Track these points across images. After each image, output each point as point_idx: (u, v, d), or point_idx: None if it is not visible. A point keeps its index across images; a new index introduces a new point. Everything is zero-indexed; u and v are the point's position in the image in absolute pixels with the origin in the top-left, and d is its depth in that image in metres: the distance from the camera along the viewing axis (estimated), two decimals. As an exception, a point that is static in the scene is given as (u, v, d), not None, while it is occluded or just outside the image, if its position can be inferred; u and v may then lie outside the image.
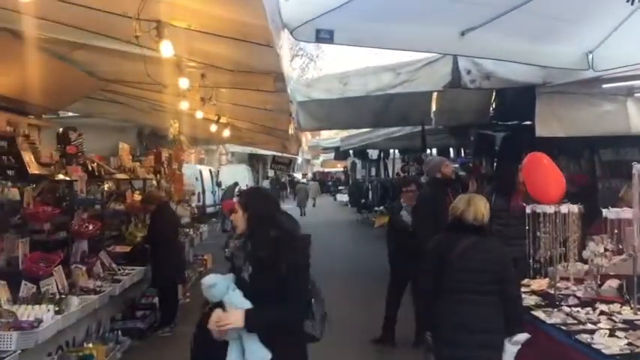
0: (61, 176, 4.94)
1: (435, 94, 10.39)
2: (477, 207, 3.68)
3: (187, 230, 8.87)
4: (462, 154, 19.10)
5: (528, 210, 4.02)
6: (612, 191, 8.93)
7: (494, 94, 10.30)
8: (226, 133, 10.18)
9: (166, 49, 3.92)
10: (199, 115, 7.80)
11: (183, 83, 5.20)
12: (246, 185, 30.77)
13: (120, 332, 5.52)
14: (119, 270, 5.64)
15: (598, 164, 9.17)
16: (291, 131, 7.58)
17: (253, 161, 40.55)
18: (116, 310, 5.78)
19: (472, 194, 3.83)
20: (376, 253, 12.85)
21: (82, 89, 7.88)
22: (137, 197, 6.79)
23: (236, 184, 23.55)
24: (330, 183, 45.92)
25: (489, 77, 6.06)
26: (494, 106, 10.31)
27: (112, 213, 6.49)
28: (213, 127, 9.16)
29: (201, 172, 21.51)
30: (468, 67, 6.00)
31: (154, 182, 7.44)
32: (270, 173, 42.89)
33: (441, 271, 3.69)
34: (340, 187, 33.98)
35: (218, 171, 29.53)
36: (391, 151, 20.77)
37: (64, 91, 7.53)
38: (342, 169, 39.60)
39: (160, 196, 6.68)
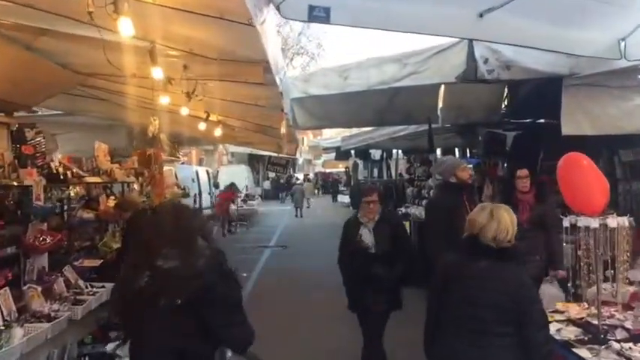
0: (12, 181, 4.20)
1: (442, 90, 9.72)
2: (502, 222, 2.92)
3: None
4: (468, 155, 18.37)
5: (566, 223, 3.28)
6: (633, 195, 8.26)
7: (506, 89, 9.63)
8: (218, 132, 9.48)
9: (125, 27, 3.21)
10: (184, 111, 7.08)
11: (157, 73, 4.49)
12: (246, 187, 30.33)
13: (88, 359, 4.80)
14: (87, 288, 4.90)
15: (618, 165, 8.46)
16: (283, 129, 6.85)
17: (254, 162, 39.93)
18: (85, 332, 5.05)
19: (496, 205, 3.09)
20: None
21: (58, 84, 7.23)
22: (112, 203, 6.07)
23: (232, 184, 22.91)
24: (329, 184, 45.26)
25: (509, 67, 5.30)
26: (506, 102, 9.63)
27: (79, 222, 5.75)
28: (202, 125, 8.45)
29: (197, 173, 20.78)
30: (485, 55, 5.25)
31: (135, 186, 6.72)
32: (271, 174, 42.36)
33: (442, 301, 3.01)
34: (341, 188, 33.21)
35: (217, 172, 28.91)
36: (394, 151, 20.02)
37: (37, 85, 6.90)
38: (343, 169, 38.87)
39: (137, 201, 5.95)
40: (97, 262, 5.38)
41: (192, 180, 20.00)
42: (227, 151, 36.27)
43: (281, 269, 11.32)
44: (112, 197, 6.22)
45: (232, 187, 16.13)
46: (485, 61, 5.25)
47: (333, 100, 8.84)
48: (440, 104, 10.05)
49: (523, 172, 5.60)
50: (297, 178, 37.86)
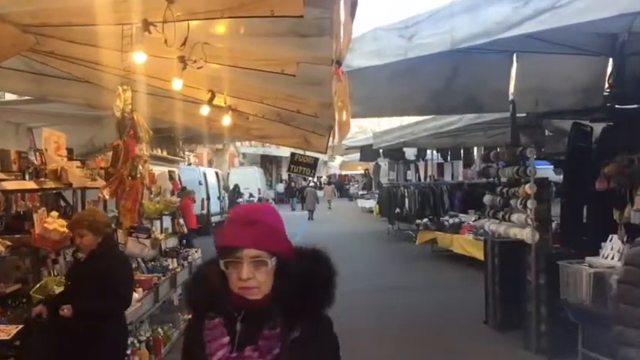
0: None
1: (514, 68, 7.45)
2: None
3: (157, 263, 5.84)
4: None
5: None
6: None
7: (610, 62, 7.28)
8: (227, 120, 7.16)
9: None
10: (177, 85, 4.79)
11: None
12: (258, 190, 28.07)
13: None
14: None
15: None
16: (335, 91, 4.37)
17: (266, 163, 37.81)
18: None
19: None
20: (427, 283, 9.83)
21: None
22: (53, 223, 3.75)
23: (236, 187, 20.63)
24: (347, 186, 42.93)
25: None
26: (610, 81, 7.26)
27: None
28: (205, 110, 6.14)
29: (205, 175, 18.56)
30: None
31: (102, 194, 4.40)
32: (285, 176, 40.08)
33: None
34: (362, 192, 30.78)
35: (228, 174, 26.72)
36: (428, 151, 17.64)
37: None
38: (362, 171, 36.49)
39: (101, 221, 3.67)
40: (10, 330, 3.07)
41: (200, 183, 17.80)
42: (238, 152, 34.15)
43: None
44: (53, 214, 3.89)
45: (186, 192, 13.09)
46: None
47: (378, 78, 6.54)
48: (512, 88, 7.77)
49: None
50: (310, 181, 36.00)
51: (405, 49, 5.35)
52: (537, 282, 5.51)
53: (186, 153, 22.89)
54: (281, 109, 6.46)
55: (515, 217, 5.74)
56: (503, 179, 6.24)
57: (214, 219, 18.66)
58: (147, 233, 4.55)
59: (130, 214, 4.42)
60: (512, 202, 5.81)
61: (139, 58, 3.89)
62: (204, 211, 17.84)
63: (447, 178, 20.83)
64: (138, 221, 4.63)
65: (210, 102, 6.08)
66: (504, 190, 5.99)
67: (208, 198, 18.24)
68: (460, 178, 21.37)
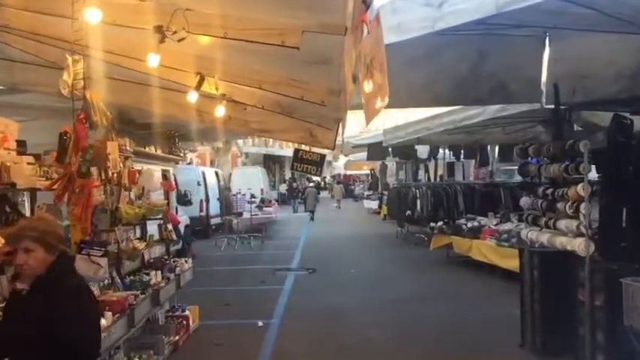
0: None
1: (546, 52, 6.52)
2: None
3: (136, 278, 4.90)
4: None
5: None
6: None
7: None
8: (220, 111, 6.25)
9: None
10: (153, 61, 3.87)
11: None
12: (261, 190, 27.12)
13: None
14: None
15: None
16: (350, 84, 3.41)
17: (269, 163, 36.86)
18: None
19: None
20: (445, 294, 8.78)
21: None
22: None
23: (227, 189, 19.74)
24: (352, 187, 42.02)
25: None
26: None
27: None
28: (193, 96, 5.22)
29: (204, 175, 17.62)
30: None
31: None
32: (287, 175, 39.14)
33: None
34: (367, 193, 29.80)
35: (230, 174, 25.79)
36: (441, 150, 16.66)
37: None
38: (368, 171, 35.56)
39: (60, 234, 2.71)
40: None
41: (198, 183, 16.87)
42: (241, 151, 33.24)
43: (312, 312, 8.00)
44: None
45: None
46: None
47: (392, 64, 5.59)
48: (544, 76, 6.82)
49: None
50: (312, 181, 35.54)
51: (432, 19, 4.43)
52: (592, 303, 4.57)
53: (187, 152, 22.04)
54: (282, 95, 5.51)
55: (563, 223, 4.78)
56: (545, 179, 5.29)
57: (214, 221, 17.74)
58: (102, 249, 3.54)
59: (80, 223, 3.44)
60: (559, 205, 4.85)
61: (92, 16, 2.95)
62: (203, 213, 16.91)
63: (459, 178, 19.85)
64: (90, 233, 3.65)
65: (198, 87, 5.15)
66: (548, 191, 5.03)
67: (207, 199, 17.30)
68: (471, 178, 20.40)
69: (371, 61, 2.58)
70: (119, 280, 4.92)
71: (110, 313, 4.08)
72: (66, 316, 2.57)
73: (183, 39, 3.92)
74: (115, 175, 5.28)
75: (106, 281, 4.65)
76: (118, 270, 5.03)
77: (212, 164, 26.36)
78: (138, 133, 10.56)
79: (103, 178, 4.95)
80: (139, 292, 4.83)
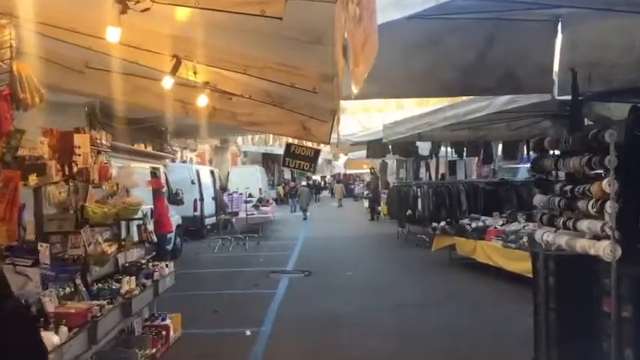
0: None
1: (559, 38, 6.05)
2: None
3: (104, 285, 4.31)
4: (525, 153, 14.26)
5: None
6: None
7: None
8: (203, 101, 5.71)
9: None
10: (113, 35, 3.32)
11: None
12: (260, 190, 26.57)
13: None
14: None
15: None
16: (340, 70, 2.83)
17: (268, 162, 36.25)
18: None
19: None
20: (449, 299, 8.25)
21: None
22: None
23: (222, 188, 19.20)
24: (352, 186, 41.49)
25: None
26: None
27: None
28: (168, 82, 4.68)
29: (198, 174, 17.04)
30: None
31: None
32: (287, 175, 38.53)
33: None
34: (367, 192, 29.25)
35: (228, 173, 25.25)
36: (442, 147, 16.11)
37: None
38: (368, 170, 35.01)
39: None
40: None
41: (192, 182, 16.31)
42: (240, 150, 32.67)
43: (306, 319, 7.43)
44: None
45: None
46: None
47: (392, 49, 5.05)
48: (556, 62, 6.34)
49: None
50: (310, 180, 35.40)
51: (439, -9, 3.87)
52: (619, 314, 4.01)
53: (183, 150, 21.48)
54: (270, 82, 4.95)
55: (584, 224, 4.22)
56: (562, 174, 4.73)
57: (208, 221, 17.17)
58: (31, 258, 2.97)
59: (4, 224, 2.86)
60: (579, 204, 4.29)
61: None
62: (197, 213, 16.35)
63: (460, 176, 19.27)
64: (18, 238, 3.08)
65: (174, 71, 4.60)
66: (567, 188, 4.47)
67: (202, 199, 16.73)
68: (474, 177, 19.83)
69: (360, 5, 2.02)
70: (84, 289, 4.36)
71: (66, 328, 3.53)
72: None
73: (147, 9, 3.36)
74: (84, 170, 4.74)
75: (67, 290, 4.10)
76: (83, 277, 4.48)
77: (211, 163, 25.83)
78: (126, 129, 10.01)
79: (67, 173, 4.41)
80: (105, 302, 4.28)
